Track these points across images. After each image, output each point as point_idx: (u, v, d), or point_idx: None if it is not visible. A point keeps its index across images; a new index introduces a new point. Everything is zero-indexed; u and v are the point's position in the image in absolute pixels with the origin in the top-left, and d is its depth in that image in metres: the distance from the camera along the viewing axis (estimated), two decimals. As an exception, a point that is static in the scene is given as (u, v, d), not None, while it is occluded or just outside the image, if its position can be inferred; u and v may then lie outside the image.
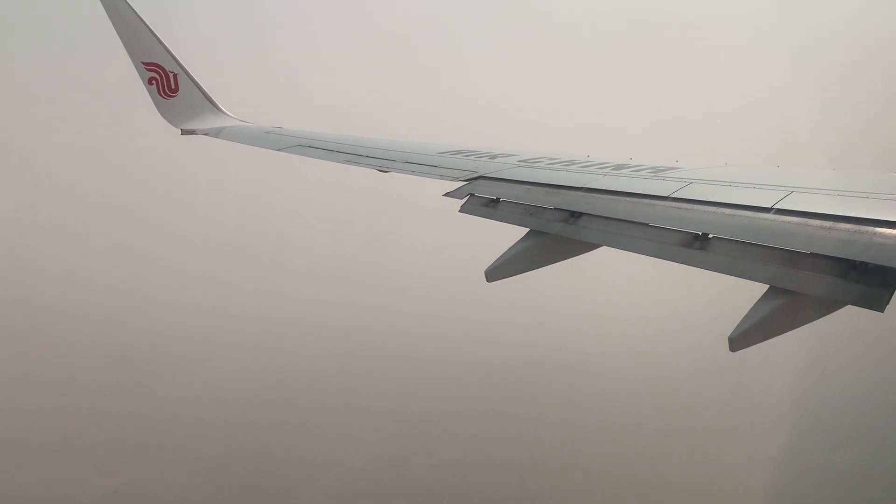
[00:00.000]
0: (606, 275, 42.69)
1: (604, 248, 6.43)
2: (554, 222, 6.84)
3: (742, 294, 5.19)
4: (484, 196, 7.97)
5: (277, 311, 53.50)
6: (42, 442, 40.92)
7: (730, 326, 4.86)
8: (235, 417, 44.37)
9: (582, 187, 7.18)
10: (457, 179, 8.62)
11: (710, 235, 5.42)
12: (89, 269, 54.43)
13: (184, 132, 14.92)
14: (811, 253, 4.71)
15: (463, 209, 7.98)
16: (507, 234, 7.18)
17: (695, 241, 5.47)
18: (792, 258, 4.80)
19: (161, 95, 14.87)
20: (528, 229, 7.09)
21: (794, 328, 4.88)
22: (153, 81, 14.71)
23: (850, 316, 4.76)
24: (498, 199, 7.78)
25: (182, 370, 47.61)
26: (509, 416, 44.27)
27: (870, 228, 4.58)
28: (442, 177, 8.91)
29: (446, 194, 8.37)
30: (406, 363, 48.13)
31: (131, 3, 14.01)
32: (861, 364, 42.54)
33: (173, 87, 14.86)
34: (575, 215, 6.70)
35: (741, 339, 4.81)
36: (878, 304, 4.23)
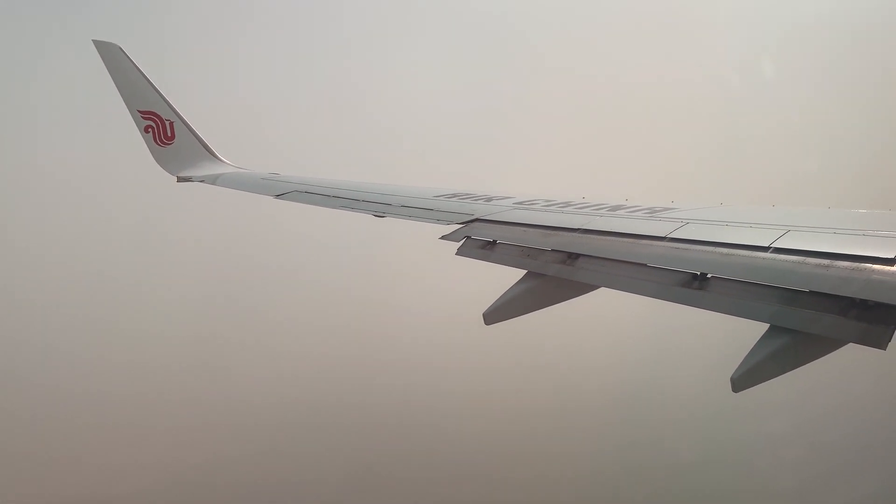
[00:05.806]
0: (605, 316, 42.55)
1: (602, 290, 6.39)
2: (551, 264, 6.77)
3: (742, 334, 5.13)
4: (480, 238, 7.92)
5: (272, 357, 53.00)
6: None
7: (731, 367, 4.79)
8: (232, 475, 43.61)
9: (579, 228, 7.16)
10: (453, 222, 8.60)
11: (709, 275, 5.37)
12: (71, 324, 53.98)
13: (180, 179, 14.95)
14: (810, 291, 4.68)
15: (460, 252, 7.92)
16: (505, 277, 7.12)
17: (693, 280, 5.43)
18: (791, 297, 4.76)
19: (157, 143, 14.95)
20: (526, 271, 7.03)
21: (796, 367, 4.82)
22: (149, 129, 14.81)
23: (852, 354, 4.71)
24: (495, 241, 7.73)
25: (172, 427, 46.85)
26: (508, 459, 43.64)
27: (868, 266, 4.57)
28: (438, 220, 8.87)
29: (443, 237, 8.33)
30: (403, 407, 47.60)
31: (128, 53, 14.20)
32: (864, 403, 42.07)
33: (169, 134, 14.96)
34: (572, 256, 6.65)
35: (743, 379, 4.75)
36: (880, 342, 4.17)
